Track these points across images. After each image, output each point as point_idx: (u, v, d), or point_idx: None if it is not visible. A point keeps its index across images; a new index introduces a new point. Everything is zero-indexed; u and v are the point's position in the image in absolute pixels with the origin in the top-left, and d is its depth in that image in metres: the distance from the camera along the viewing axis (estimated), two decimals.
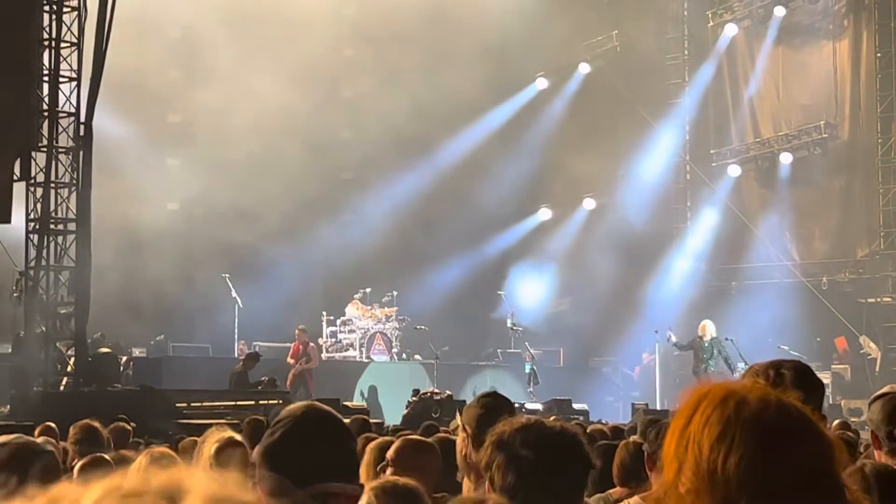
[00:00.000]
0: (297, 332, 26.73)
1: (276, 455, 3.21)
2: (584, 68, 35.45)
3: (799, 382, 4.12)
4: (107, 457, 6.91)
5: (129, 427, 11.09)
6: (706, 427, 2.14)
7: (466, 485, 5.01)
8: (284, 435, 3.21)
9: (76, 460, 6.77)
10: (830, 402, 26.10)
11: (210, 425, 8.68)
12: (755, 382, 2.24)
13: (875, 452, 4.96)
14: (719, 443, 2.11)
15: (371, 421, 13.07)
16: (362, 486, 3.21)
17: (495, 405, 5.17)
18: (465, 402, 21.98)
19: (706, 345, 25.55)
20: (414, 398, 21.96)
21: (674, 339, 26.57)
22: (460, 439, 5.07)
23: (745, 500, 2.08)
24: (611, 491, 6.63)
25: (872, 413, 4.98)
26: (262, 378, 23.21)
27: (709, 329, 25.93)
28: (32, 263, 20.73)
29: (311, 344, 26.89)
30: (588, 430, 10.15)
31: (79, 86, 21.02)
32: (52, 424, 10.91)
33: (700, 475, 2.12)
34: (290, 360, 26.30)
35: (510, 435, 3.79)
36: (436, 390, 22.70)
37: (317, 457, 3.14)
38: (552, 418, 4.08)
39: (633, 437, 7.61)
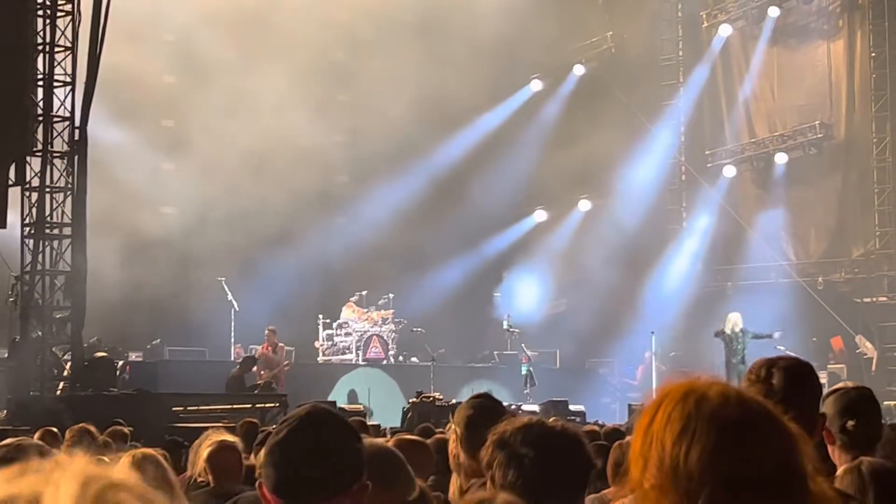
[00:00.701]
0: (266, 332, 26.52)
1: (280, 454, 3.22)
2: (578, 70, 35.47)
3: (790, 381, 4.10)
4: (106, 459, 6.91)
5: (125, 431, 11.09)
6: (668, 424, 2.17)
7: (455, 483, 5.03)
8: (289, 433, 3.22)
9: None
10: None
11: (206, 429, 8.70)
12: (717, 379, 2.26)
13: (829, 447, 4.99)
14: (681, 438, 2.15)
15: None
16: (367, 486, 3.22)
17: (485, 406, 5.18)
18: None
19: (731, 338, 25.51)
20: (414, 400, 21.94)
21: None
22: (451, 439, 5.08)
23: (707, 494, 2.11)
24: (605, 491, 6.65)
25: (826, 407, 5.03)
26: (258, 381, 23.22)
27: (731, 321, 25.88)
28: (28, 268, 20.75)
29: (281, 344, 26.61)
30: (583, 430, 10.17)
31: (73, 90, 21.04)
32: (54, 429, 10.92)
33: (664, 470, 2.15)
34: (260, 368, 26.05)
35: (512, 434, 3.80)
36: (437, 395, 22.62)
37: (321, 458, 3.15)
38: (553, 419, 4.09)
39: (628, 438, 7.63)
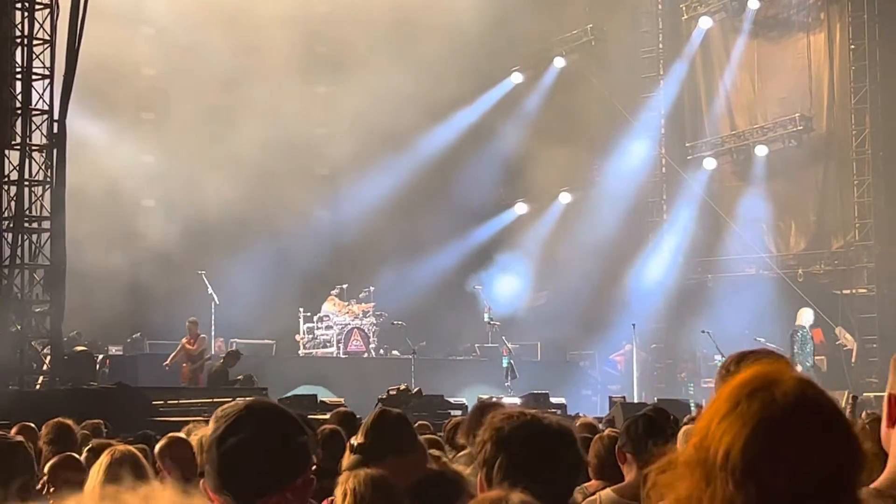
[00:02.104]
0: (188, 324, 26.08)
1: (217, 451, 3.19)
2: (559, 62, 35.47)
3: None
4: (77, 456, 6.89)
5: (101, 424, 11.04)
6: (721, 404, 2.14)
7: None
8: (227, 429, 3.19)
9: (49, 460, 6.73)
10: None
11: (187, 422, 8.68)
12: (801, 376, 2.20)
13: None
14: (722, 420, 2.11)
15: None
16: (311, 480, 3.19)
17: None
18: (441, 396, 22.10)
19: (797, 335, 25.43)
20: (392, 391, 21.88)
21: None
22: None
23: (731, 483, 2.07)
24: (586, 484, 6.65)
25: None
26: (238, 377, 23.19)
27: (799, 318, 25.87)
28: (7, 262, 20.68)
29: (202, 336, 26.16)
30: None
31: (52, 83, 20.97)
32: (31, 424, 10.86)
33: (700, 448, 2.12)
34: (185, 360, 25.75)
35: (506, 429, 3.79)
36: (401, 387, 22.46)
37: (263, 453, 3.13)
38: (544, 412, 4.08)
39: (608, 430, 7.62)
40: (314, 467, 3.27)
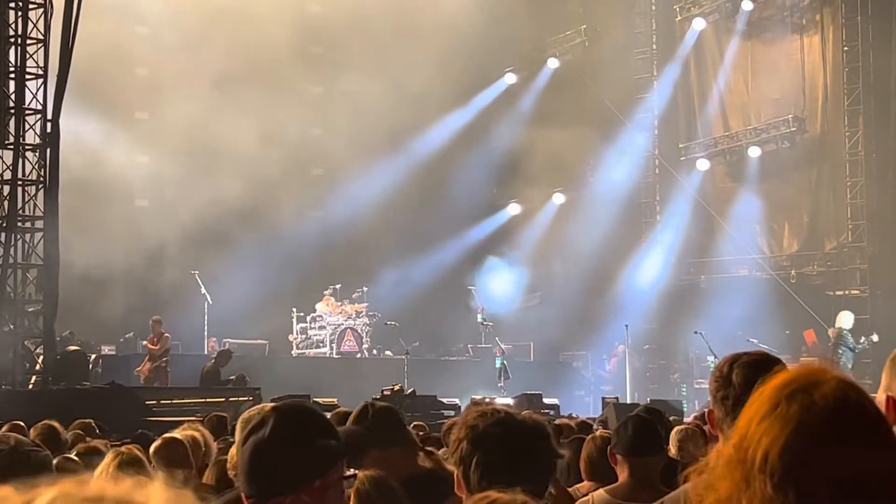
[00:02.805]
0: (151, 322, 25.64)
1: (242, 453, 3.23)
2: (552, 63, 35.52)
3: (747, 380, 3.99)
4: (74, 457, 6.89)
5: (93, 425, 11.03)
6: (762, 404, 2.12)
7: None
8: (251, 430, 3.23)
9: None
10: None
11: (180, 422, 8.69)
12: (842, 377, 2.17)
13: None
14: (762, 421, 2.08)
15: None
16: (328, 485, 3.21)
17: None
18: (434, 396, 22.09)
19: (845, 338, 25.40)
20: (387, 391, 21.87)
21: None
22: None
23: (770, 486, 2.05)
24: (578, 485, 6.66)
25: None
26: (231, 377, 23.17)
27: (838, 321, 25.89)
28: (0, 261, 20.63)
29: (166, 335, 25.66)
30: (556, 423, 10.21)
31: (45, 83, 20.93)
32: (21, 423, 10.84)
33: (740, 448, 2.11)
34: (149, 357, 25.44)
35: (480, 426, 3.80)
36: (395, 387, 22.44)
37: (277, 453, 3.16)
38: (524, 411, 4.10)
39: (600, 431, 7.62)
40: (347, 473, 3.31)
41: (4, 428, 9.43)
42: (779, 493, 2.04)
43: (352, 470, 3.79)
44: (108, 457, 5.70)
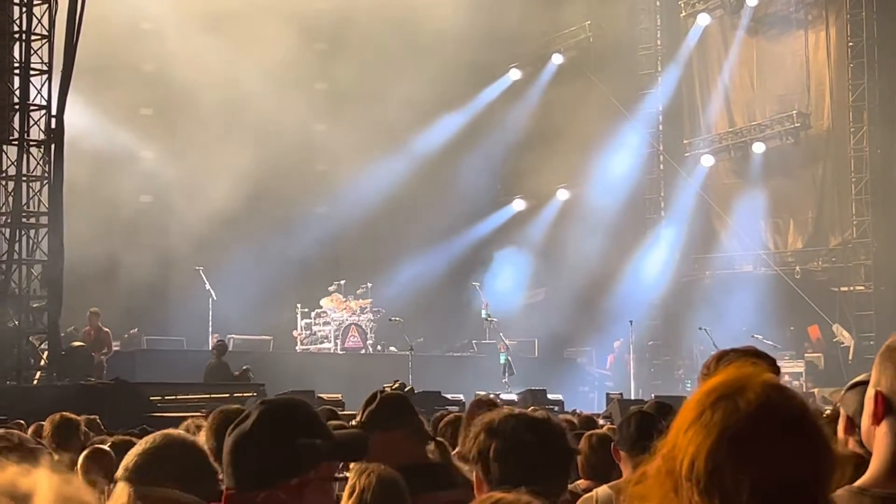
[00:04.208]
0: (88, 314, 24.52)
1: (224, 446, 3.23)
2: (557, 59, 35.49)
3: None
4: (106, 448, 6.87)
5: (97, 419, 11.03)
6: (688, 412, 2.13)
7: None
8: (235, 424, 3.23)
9: (54, 454, 6.71)
10: (804, 390, 26.20)
11: (184, 418, 8.68)
12: (768, 379, 2.17)
13: (848, 440, 4.85)
14: (688, 429, 2.10)
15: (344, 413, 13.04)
16: (307, 482, 3.19)
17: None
18: (438, 392, 22.08)
19: None
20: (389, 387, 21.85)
21: None
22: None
23: (696, 493, 2.06)
24: (577, 482, 6.67)
25: (847, 402, 4.83)
26: (235, 372, 23.15)
27: None
28: (4, 257, 20.69)
29: (105, 329, 24.79)
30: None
31: (50, 79, 20.96)
32: (22, 421, 10.87)
33: (668, 458, 2.12)
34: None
35: (496, 420, 3.82)
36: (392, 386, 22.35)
37: (254, 448, 3.16)
38: (532, 408, 4.11)
39: (596, 431, 7.58)
40: (335, 473, 3.30)
41: None
42: (704, 500, 2.06)
43: (344, 473, 3.78)
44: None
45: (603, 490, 5.81)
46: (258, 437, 3.14)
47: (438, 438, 5.17)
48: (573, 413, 15.20)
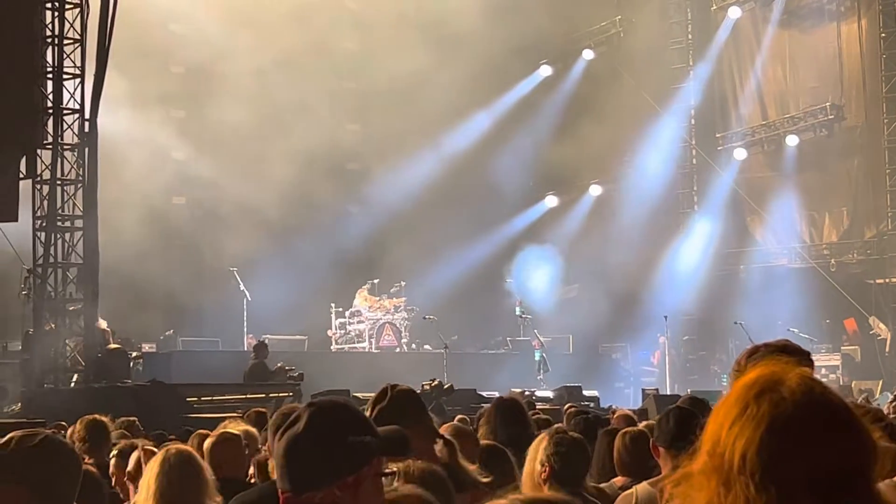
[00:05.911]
0: None
1: (277, 447, 3.24)
2: (587, 55, 35.42)
3: None
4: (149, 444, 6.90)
5: (135, 421, 11.06)
6: (730, 408, 2.13)
7: None
8: (287, 425, 3.24)
9: (84, 457, 6.73)
10: (840, 383, 26.07)
11: (222, 419, 8.69)
12: (803, 372, 2.18)
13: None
14: (733, 425, 2.10)
15: None
16: (362, 478, 3.21)
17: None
18: (474, 390, 22.06)
19: None
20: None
21: None
22: None
23: (752, 487, 2.06)
24: (614, 479, 6.64)
25: None
26: (272, 369, 23.19)
27: None
28: (40, 261, 20.77)
29: (106, 329, 24.35)
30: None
31: (83, 82, 21.03)
32: (64, 424, 10.92)
33: (714, 455, 2.11)
34: None
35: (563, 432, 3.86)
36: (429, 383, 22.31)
37: (310, 447, 3.17)
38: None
39: (630, 429, 7.52)
40: (386, 470, 3.32)
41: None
42: (761, 492, 2.06)
43: (392, 466, 3.79)
44: (160, 454, 5.65)
45: (643, 487, 5.78)
46: (312, 439, 3.15)
47: (447, 437, 5.14)
48: (610, 410, 15.17)
